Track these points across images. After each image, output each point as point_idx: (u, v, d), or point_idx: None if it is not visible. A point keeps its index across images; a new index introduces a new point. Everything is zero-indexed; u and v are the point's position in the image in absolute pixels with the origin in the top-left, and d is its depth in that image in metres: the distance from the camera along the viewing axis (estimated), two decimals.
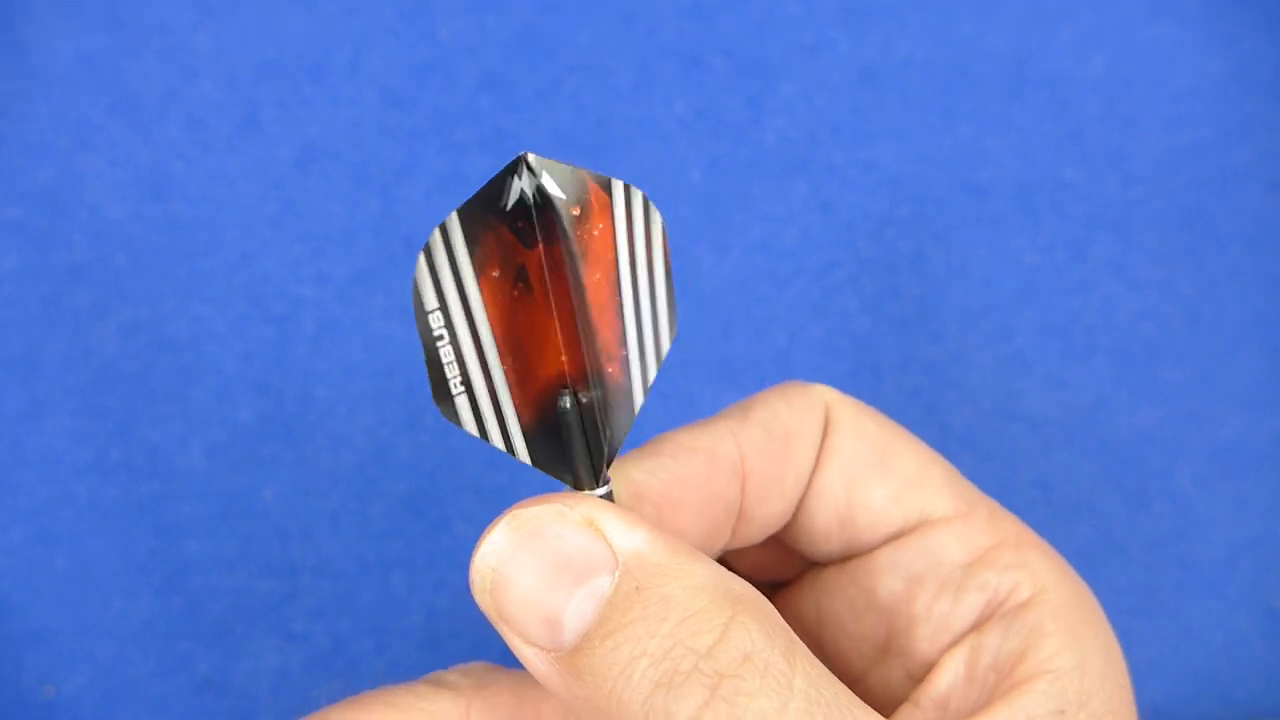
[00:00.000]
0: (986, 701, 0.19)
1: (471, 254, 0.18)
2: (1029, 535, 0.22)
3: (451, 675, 0.24)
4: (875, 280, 0.42)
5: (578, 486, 0.19)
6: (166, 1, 0.41)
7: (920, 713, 0.20)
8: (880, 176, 0.43)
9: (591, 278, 0.19)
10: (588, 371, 0.19)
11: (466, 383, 0.18)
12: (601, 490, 0.20)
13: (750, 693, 0.15)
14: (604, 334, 0.19)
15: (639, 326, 0.20)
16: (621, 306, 0.19)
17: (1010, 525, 0.22)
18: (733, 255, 0.41)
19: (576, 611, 0.16)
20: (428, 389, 0.42)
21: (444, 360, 0.18)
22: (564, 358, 0.19)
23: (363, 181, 0.41)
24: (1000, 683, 0.19)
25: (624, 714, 0.15)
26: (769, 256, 0.42)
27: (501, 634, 0.17)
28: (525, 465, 0.20)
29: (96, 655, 0.38)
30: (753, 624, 0.15)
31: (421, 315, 0.18)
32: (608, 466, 0.20)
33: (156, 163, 0.40)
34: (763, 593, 0.18)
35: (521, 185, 0.19)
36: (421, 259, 0.18)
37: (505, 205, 0.19)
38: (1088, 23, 0.44)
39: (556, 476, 0.20)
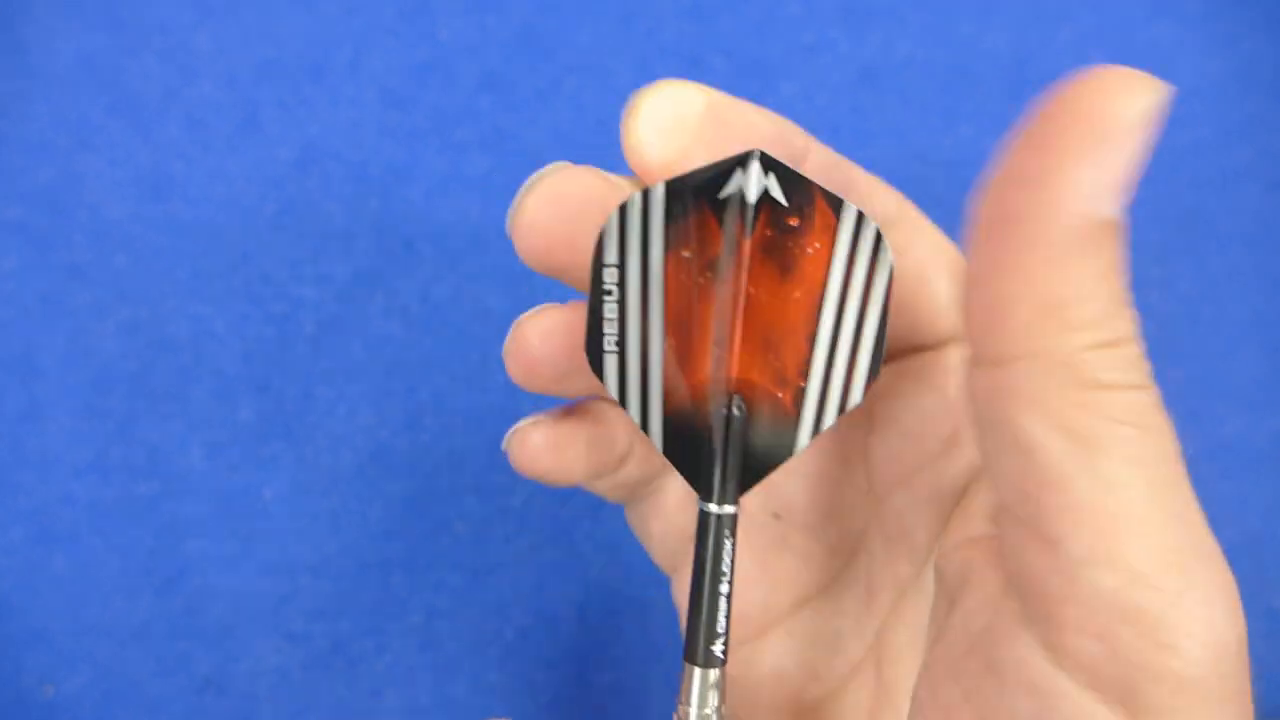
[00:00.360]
0: None
1: (668, 226, 0.18)
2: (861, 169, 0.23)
3: None
4: None
5: (705, 497, 0.19)
6: (166, 1, 0.41)
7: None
8: (880, 176, 0.43)
9: (791, 295, 0.18)
10: (745, 384, 0.19)
11: (621, 344, 0.18)
12: (729, 510, 0.19)
13: (1141, 352, 0.17)
14: (785, 356, 0.19)
15: (829, 364, 0.19)
16: (815, 336, 0.19)
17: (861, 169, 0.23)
18: None
19: (1118, 204, 0.16)
20: (428, 389, 0.42)
21: (606, 315, 0.18)
22: (730, 361, 0.19)
23: (363, 181, 0.41)
24: None
25: (1100, 300, 0.16)
26: None
27: (1060, 154, 0.16)
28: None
29: (96, 655, 0.38)
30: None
31: (598, 266, 0.18)
32: (744, 492, 0.19)
33: (156, 163, 0.40)
34: None
35: (744, 180, 0.18)
36: (614, 214, 0.18)
37: (721, 194, 0.18)
38: (1088, 23, 0.44)
39: (683, 474, 0.19)
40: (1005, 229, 0.16)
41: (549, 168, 0.21)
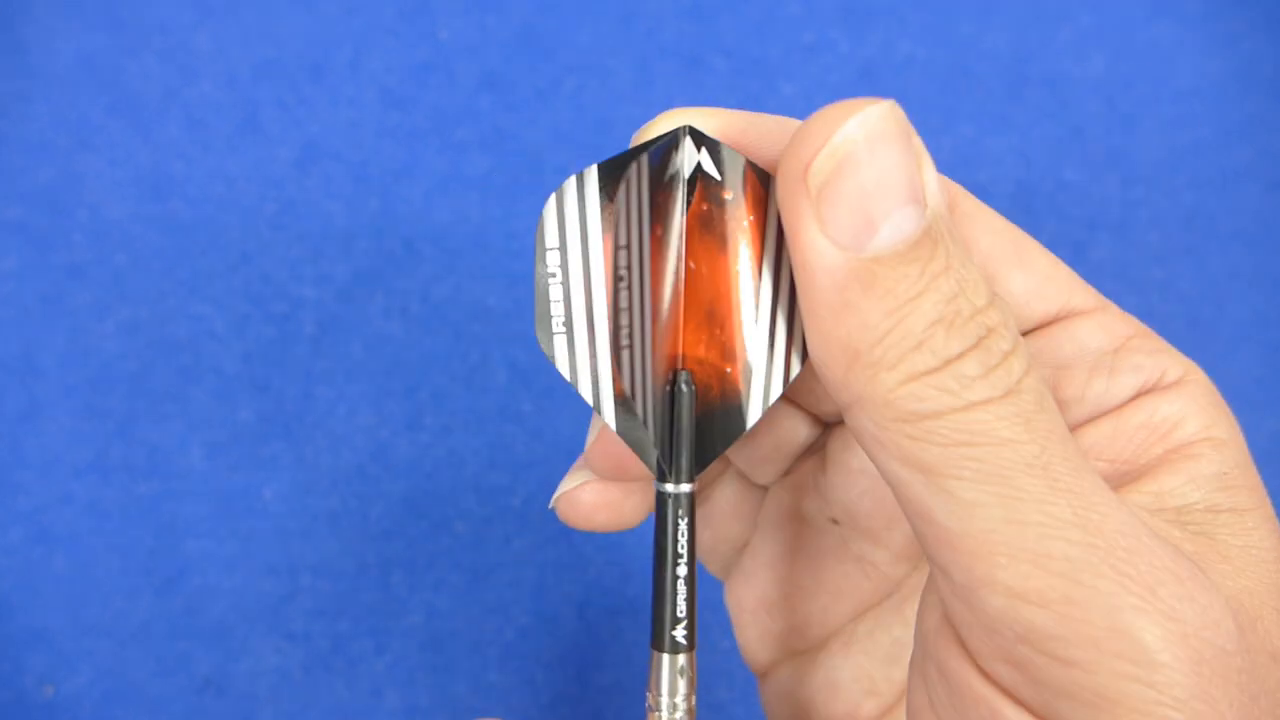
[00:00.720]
0: (1133, 458, 0.19)
1: (603, 208, 0.18)
2: (1155, 335, 0.22)
3: None
4: None
5: (659, 476, 0.19)
6: (166, 1, 0.41)
7: None
8: None
9: (731, 268, 0.19)
10: (692, 359, 0.19)
11: (568, 325, 0.18)
12: (685, 489, 0.19)
13: (1005, 351, 0.16)
14: (729, 330, 0.19)
15: (770, 337, 0.19)
16: (756, 308, 0.19)
17: (1134, 319, 0.22)
18: None
19: (895, 226, 0.16)
20: (428, 389, 0.42)
21: (552, 297, 0.18)
22: (682, 337, 0.19)
23: (363, 181, 0.41)
24: (1153, 442, 0.19)
25: (899, 334, 0.16)
26: None
27: (791, 219, 0.16)
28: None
29: (96, 655, 0.38)
30: (1004, 305, 0.16)
31: (540, 248, 0.18)
32: (700, 470, 0.19)
33: (156, 163, 0.40)
34: None
35: (677, 156, 0.18)
36: (553, 199, 0.18)
37: (662, 174, 0.18)
38: (1088, 23, 0.44)
39: (638, 453, 0.19)
40: (798, 291, 0.17)
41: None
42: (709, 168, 0.18)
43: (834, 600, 0.24)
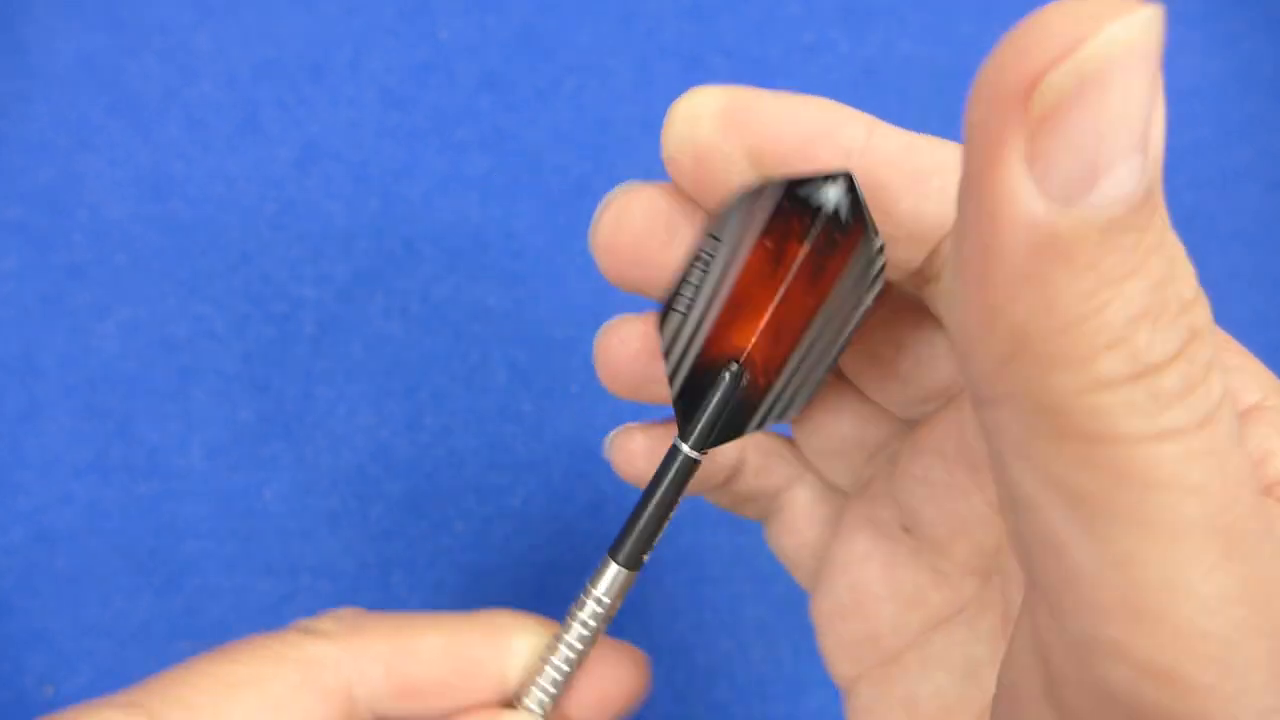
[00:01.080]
0: None
1: (769, 217, 0.19)
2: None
3: (323, 622, 0.23)
4: None
5: (683, 437, 0.21)
6: (166, 1, 0.41)
7: None
8: None
9: (807, 301, 0.20)
10: (750, 360, 0.21)
11: (690, 307, 0.20)
12: (695, 455, 0.21)
13: (1207, 363, 0.12)
14: (779, 351, 0.21)
15: (793, 374, 0.21)
16: (797, 343, 0.20)
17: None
18: None
19: (1118, 180, 0.12)
20: (428, 389, 0.42)
21: (690, 279, 0.20)
22: (754, 339, 0.20)
23: (363, 181, 0.41)
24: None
25: (1095, 325, 0.12)
26: None
27: (988, 149, 0.12)
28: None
29: (96, 655, 0.38)
30: (1208, 310, 0.13)
31: (707, 237, 0.19)
32: (711, 446, 0.21)
33: (156, 163, 0.41)
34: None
35: (824, 194, 0.19)
36: (738, 194, 0.19)
37: (805, 199, 0.19)
38: None
39: (677, 416, 0.21)
40: (963, 244, 0.13)
41: (619, 188, 0.22)
42: (844, 213, 0.19)
43: (907, 611, 0.23)
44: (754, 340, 0.20)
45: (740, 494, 0.25)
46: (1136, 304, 0.12)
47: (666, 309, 0.20)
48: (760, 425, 0.21)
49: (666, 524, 0.22)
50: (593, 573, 0.23)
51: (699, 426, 0.21)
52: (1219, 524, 0.12)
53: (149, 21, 0.41)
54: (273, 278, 0.40)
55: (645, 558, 0.23)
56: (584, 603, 0.23)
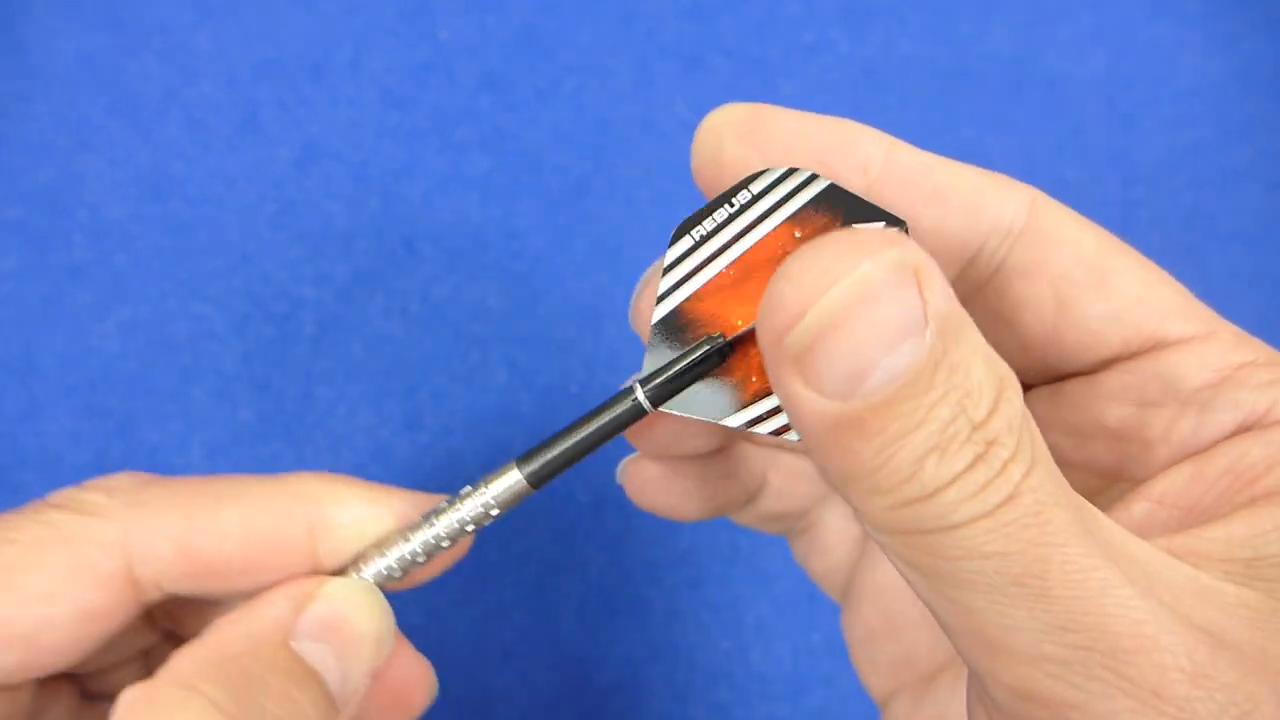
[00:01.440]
0: (1215, 505, 0.18)
1: (802, 207, 0.19)
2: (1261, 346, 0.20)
3: (92, 494, 0.20)
4: None
5: (643, 382, 0.20)
6: (166, 1, 0.41)
7: (1130, 509, 0.19)
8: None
9: None
10: (742, 346, 0.20)
11: (703, 240, 0.20)
12: (647, 406, 0.20)
13: (1005, 460, 0.15)
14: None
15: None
16: None
17: (1261, 345, 0.20)
18: None
19: (887, 369, 0.15)
20: (428, 389, 0.42)
21: (714, 214, 0.20)
22: (745, 325, 0.20)
23: (363, 181, 0.41)
24: (1238, 489, 0.18)
25: (888, 471, 0.15)
26: None
27: (778, 374, 0.16)
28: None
29: None
30: (1015, 397, 0.16)
31: (743, 181, 0.20)
32: (661, 404, 0.20)
33: (156, 163, 0.40)
34: None
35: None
36: (785, 170, 0.19)
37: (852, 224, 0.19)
38: (1088, 22, 0.44)
39: (648, 360, 0.21)
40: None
41: (653, 268, 0.22)
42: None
43: (940, 632, 0.23)
44: (745, 326, 0.20)
45: (764, 514, 0.25)
46: (922, 448, 0.15)
47: (685, 229, 0.20)
48: (749, 427, 0.20)
49: (585, 458, 0.22)
50: (491, 471, 0.22)
51: (660, 378, 0.20)
52: (1028, 574, 0.15)
53: (149, 21, 0.41)
54: (273, 278, 0.40)
55: (545, 478, 0.22)
56: (470, 497, 0.22)
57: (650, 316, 0.21)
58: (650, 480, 0.23)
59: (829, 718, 0.40)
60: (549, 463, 0.22)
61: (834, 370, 0.15)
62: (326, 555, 0.21)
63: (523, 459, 0.22)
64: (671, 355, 0.20)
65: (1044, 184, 0.19)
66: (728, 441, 0.24)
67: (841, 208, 0.19)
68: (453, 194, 0.41)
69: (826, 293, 0.15)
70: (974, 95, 0.43)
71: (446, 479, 0.40)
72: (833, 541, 0.25)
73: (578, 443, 0.21)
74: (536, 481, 0.22)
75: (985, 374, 0.15)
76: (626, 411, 0.21)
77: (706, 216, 0.20)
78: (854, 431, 0.15)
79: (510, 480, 0.22)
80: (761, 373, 0.20)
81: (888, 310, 0.15)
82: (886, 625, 0.24)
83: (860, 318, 0.15)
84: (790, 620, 0.40)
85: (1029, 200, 0.21)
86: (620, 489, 0.25)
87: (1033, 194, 0.21)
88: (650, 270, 0.22)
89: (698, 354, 0.20)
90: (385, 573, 0.22)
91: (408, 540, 0.22)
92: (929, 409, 0.15)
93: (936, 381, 0.15)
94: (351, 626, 0.20)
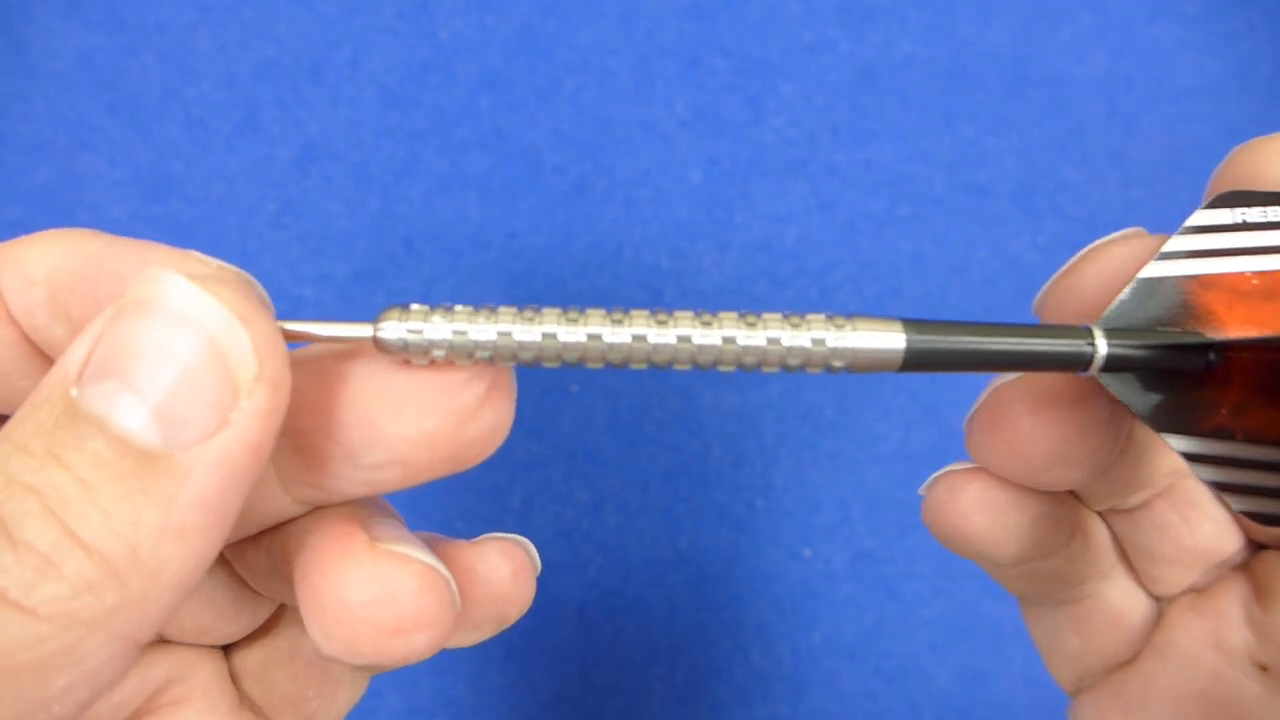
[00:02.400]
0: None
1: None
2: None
3: None
4: (875, 280, 0.42)
5: (1108, 332, 0.17)
6: (166, 1, 0.41)
7: None
8: (880, 176, 0.43)
9: None
10: (1245, 406, 0.17)
11: (1250, 226, 0.17)
12: (1099, 349, 0.16)
13: None
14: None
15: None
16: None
17: None
18: (732, 255, 0.41)
19: None
20: None
21: (1278, 204, 0.17)
22: (1246, 353, 0.17)
23: (363, 181, 0.41)
24: None
25: None
26: (769, 256, 0.42)
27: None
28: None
29: None
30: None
31: (1271, 199, 0.17)
32: (1123, 394, 0.17)
33: (156, 163, 0.40)
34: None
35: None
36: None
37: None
38: (1088, 22, 0.44)
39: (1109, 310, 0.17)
40: None
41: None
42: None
43: None
44: (1246, 354, 0.16)
45: (1043, 573, 0.20)
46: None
47: (1231, 201, 0.17)
48: (1192, 462, 0.16)
49: (973, 371, 0.16)
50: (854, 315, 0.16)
51: (1131, 340, 0.16)
52: None
53: (149, 21, 0.41)
54: (273, 278, 0.40)
55: (916, 370, 0.16)
56: (809, 326, 0.15)
57: (1081, 298, 0.17)
58: (976, 507, 0.19)
59: (829, 718, 0.40)
60: (941, 346, 0.15)
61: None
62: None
63: (912, 324, 0.15)
64: (1139, 323, 0.16)
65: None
66: (1099, 469, 0.19)
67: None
68: (453, 194, 0.41)
69: None
70: (974, 95, 0.43)
71: (446, 479, 0.40)
72: (1108, 620, 0.21)
73: (988, 347, 0.15)
74: (913, 359, 0.15)
75: None
76: (1070, 351, 0.15)
77: (1270, 203, 0.16)
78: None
79: (885, 339, 0.15)
80: (1235, 408, 0.16)
81: None
82: None
83: None
84: (790, 620, 0.40)
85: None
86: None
87: None
88: (1097, 244, 0.18)
89: (1184, 341, 0.16)
90: (408, 338, 0.16)
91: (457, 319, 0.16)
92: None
93: None
94: (150, 341, 0.14)
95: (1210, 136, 0.44)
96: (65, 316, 0.18)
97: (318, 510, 0.18)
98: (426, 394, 0.17)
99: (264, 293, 0.17)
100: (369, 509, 0.18)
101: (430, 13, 0.42)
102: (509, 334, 0.16)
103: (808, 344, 0.15)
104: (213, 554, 0.14)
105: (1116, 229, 0.20)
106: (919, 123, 0.43)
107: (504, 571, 0.20)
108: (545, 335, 0.16)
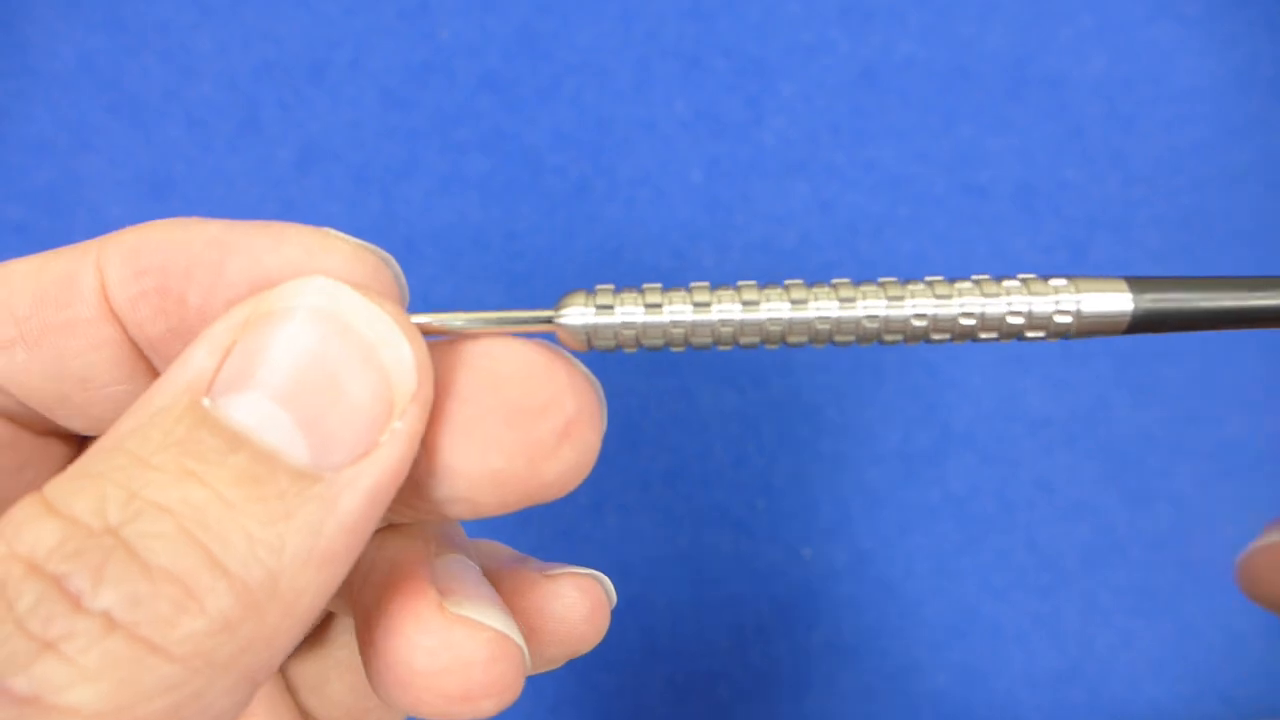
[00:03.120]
0: None
1: None
2: None
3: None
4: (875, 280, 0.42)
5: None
6: (166, 1, 0.41)
7: None
8: (880, 176, 0.43)
9: None
10: None
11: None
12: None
13: None
14: None
15: None
16: None
17: None
18: (733, 255, 0.41)
19: None
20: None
21: None
22: None
23: (363, 181, 0.41)
24: None
25: None
26: (769, 256, 0.42)
27: None
28: None
29: None
30: None
31: None
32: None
33: (157, 163, 0.40)
34: None
35: None
36: None
37: None
38: (1088, 23, 0.44)
39: None
40: None
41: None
42: None
43: None
44: None
45: None
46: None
47: None
48: None
49: (1205, 330, 0.15)
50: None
51: None
52: None
53: (149, 21, 0.41)
54: None
55: (1146, 330, 0.14)
56: (1023, 289, 0.15)
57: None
58: None
59: (829, 718, 0.40)
60: (1172, 306, 0.14)
61: None
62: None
63: (1138, 282, 0.14)
64: None
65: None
66: None
67: None
68: (453, 194, 0.41)
69: None
70: (974, 95, 0.43)
71: None
72: None
73: (1226, 304, 0.14)
74: (1144, 320, 0.14)
75: None
76: None
77: None
78: None
79: (1111, 301, 0.14)
80: None
81: None
82: None
83: None
84: (790, 620, 0.40)
85: None
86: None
87: None
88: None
89: None
90: (600, 323, 0.15)
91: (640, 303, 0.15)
92: None
93: None
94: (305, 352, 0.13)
95: (1210, 136, 0.44)
96: (178, 308, 0.15)
97: (389, 530, 0.17)
98: (493, 428, 0.15)
99: (403, 279, 0.16)
100: (441, 545, 0.17)
101: (430, 13, 0.42)
102: (707, 305, 0.15)
103: (1034, 310, 0.14)
104: (339, 583, 0.13)
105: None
106: (919, 123, 0.43)
107: (580, 611, 0.19)
108: (746, 304, 0.15)
